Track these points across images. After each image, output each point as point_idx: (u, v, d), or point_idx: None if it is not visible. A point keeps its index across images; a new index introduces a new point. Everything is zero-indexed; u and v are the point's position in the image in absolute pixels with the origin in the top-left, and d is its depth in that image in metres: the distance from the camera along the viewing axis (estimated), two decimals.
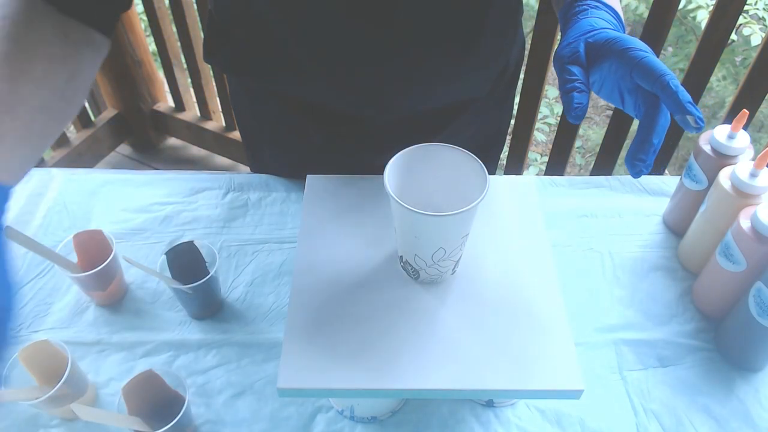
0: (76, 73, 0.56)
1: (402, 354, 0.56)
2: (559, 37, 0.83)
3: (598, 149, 1.50)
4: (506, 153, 1.61)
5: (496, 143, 0.95)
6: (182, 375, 0.63)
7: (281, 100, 0.79)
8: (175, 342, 0.71)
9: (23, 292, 0.76)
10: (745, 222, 0.65)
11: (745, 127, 0.72)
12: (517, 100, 1.24)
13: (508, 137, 1.43)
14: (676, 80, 0.51)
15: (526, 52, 0.91)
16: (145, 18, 1.83)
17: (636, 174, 0.53)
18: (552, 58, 1.37)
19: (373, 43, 0.67)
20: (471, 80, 0.77)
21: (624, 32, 0.57)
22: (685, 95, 0.50)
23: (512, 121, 1.37)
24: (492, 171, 1.00)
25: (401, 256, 0.62)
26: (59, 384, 0.59)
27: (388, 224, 0.63)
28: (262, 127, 0.88)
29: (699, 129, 0.51)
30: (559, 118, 1.49)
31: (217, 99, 1.91)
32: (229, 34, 0.73)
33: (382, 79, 0.70)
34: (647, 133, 0.52)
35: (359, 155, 0.79)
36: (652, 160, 0.52)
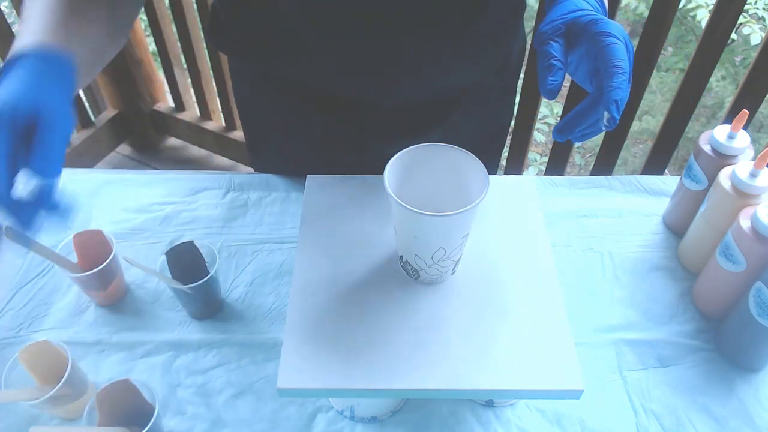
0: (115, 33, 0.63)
1: (402, 354, 0.56)
2: None
3: (598, 149, 1.50)
4: (506, 153, 1.62)
5: (497, 139, 0.95)
6: (155, 388, 0.61)
7: (282, 86, 0.79)
8: (175, 342, 0.71)
9: (23, 292, 0.76)
10: (745, 222, 0.65)
11: (745, 127, 0.72)
12: (517, 100, 1.24)
13: (508, 137, 1.43)
14: (623, 76, 0.51)
15: (527, 52, 0.91)
16: (145, 18, 1.83)
17: (556, 136, 0.56)
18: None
19: (377, 21, 0.67)
20: (473, 64, 0.77)
21: (605, 17, 0.57)
22: (618, 93, 0.51)
23: (512, 122, 1.37)
24: (493, 170, 1.00)
25: (401, 256, 0.62)
26: (59, 384, 0.59)
27: (388, 224, 0.63)
28: (264, 118, 0.87)
29: (608, 127, 0.53)
30: (558, 118, 1.48)
31: (217, 99, 1.91)
32: (236, 13, 0.73)
33: (385, 58, 0.70)
34: (578, 115, 0.55)
35: (359, 145, 0.79)
36: (571, 136, 0.56)
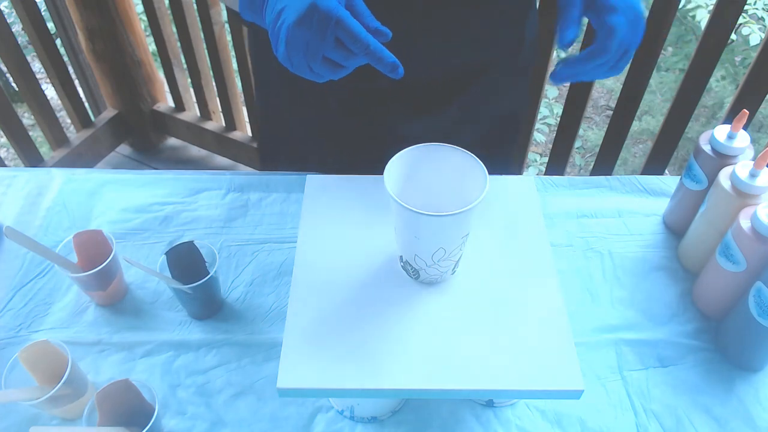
0: None
1: (402, 354, 0.56)
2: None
3: (597, 149, 1.50)
4: None
5: (510, 127, 0.95)
6: (155, 388, 0.61)
7: None
8: (175, 342, 0.71)
9: (23, 292, 0.76)
10: (745, 222, 0.65)
11: (745, 127, 0.72)
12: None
13: None
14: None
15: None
16: (145, 18, 1.83)
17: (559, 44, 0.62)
18: (551, 58, 1.37)
19: None
20: (488, 40, 0.77)
21: None
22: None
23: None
24: (510, 163, 1.00)
25: (401, 256, 0.62)
26: (59, 384, 0.59)
27: (388, 224, 0.63)
28: (281, 97, 0.87)
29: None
30: (558, 119, 1.49)
31: (217, 99, 1.91)
32: None
33: (407, 31, 0.70)
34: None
35: (371, 118, 0.80)
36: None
